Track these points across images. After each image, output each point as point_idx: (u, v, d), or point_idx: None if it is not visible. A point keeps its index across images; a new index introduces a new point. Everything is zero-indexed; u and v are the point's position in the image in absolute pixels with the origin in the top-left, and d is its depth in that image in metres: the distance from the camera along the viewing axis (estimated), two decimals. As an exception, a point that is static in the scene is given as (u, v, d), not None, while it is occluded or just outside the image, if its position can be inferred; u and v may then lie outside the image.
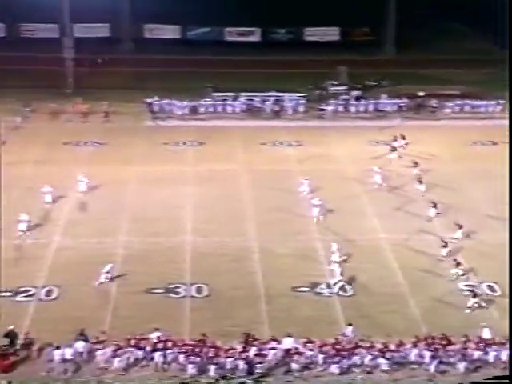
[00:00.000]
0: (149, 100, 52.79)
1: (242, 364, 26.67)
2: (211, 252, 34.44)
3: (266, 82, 56.71)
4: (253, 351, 27.06)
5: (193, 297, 30.86)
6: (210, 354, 26.76)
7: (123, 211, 38.00)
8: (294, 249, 34.54)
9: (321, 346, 27.32)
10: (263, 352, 27.16)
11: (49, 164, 43.80)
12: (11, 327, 27.18)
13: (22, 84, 56.38)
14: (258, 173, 43.25)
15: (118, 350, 26.62)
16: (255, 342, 27.37)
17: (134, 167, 43.79)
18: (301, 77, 57.59)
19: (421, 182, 40.56)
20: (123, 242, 34.81)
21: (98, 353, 26.65)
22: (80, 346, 26.63)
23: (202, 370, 26.51)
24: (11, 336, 26.84)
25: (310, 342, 27.58)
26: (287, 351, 27.36)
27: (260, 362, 26.82)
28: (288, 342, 27.58)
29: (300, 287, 31.80)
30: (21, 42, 66.32)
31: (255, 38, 69.83)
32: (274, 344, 27.42)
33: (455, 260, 33.06)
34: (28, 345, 26.90)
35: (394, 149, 45.18)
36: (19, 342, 27.05)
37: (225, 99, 54.07)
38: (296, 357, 27.14)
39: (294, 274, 32.51)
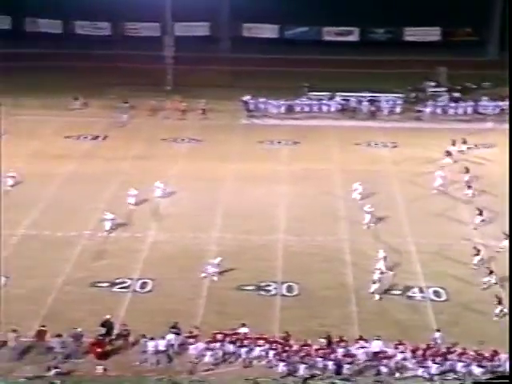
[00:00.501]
0: (245, 98, 53.32)
1: (330, 364, 26.63)
2: (303, 251, 34.53)
3: (362, 81, 56.28)
4: (341, 351, 26.98)
5: (283, 295, 31.01)
6: (301, 353, 26.81)
7: (218, 207, 38.55)
8: (387, 251, 34.22)
9: (413, 351, 26.98)
10: (352, 353, 27.05)
11: (147, 160, 44.93)
12: (108, 317, 28.03)
13: (124, 81, 58.10)
14: (352, 173, 42.99)
15: (210, 344, 26.98)
16: (343, 343, 27.27)
17: (230, 164, 44.39)
18: (398, 77, 56.89)
19: (469, 187, 39.71)
20: (216, 238, 35.31)
21: (191, 347, 27.12)
22: (172, 338, 27.17)
23: (292, 369, 26.59)
24: (108, 325, 27.67)
25: (401, 344, 27.26)
26: (376, 354, 27.17)
27: (348, 363, 26.73)
28: (377, 345, 27.39)
29: (391, 290, 31.50)
30: (124, 40, 68.22)
31: (353, 37, 69.37)
32: (362, 345, 27.26)
33: (488, 268, 32.20)
34: (123, 335, 27.64)
35: (448, 153, 44.08)
36: (115, 331, 27.83)
37: (320, 99, 54.01)
38: (385, 360, 26.89)
39: (385, 277, 32.19)
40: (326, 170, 43.80)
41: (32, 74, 59.49)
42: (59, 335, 26.73)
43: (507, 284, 31.48)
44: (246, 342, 27.26)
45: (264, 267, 32.97)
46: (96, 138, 48.79)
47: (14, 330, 26.93)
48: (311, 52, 64.44)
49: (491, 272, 31.86)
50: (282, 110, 53.33)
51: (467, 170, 41.51)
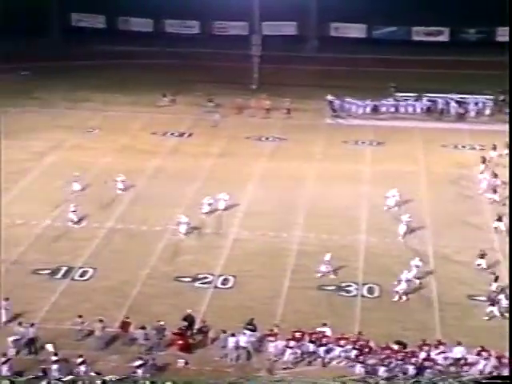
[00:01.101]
0: (330, 98, 53.17)
1: (411, 368, 26.34)
2: (384, 253, 34.29)
3: (451, 82, 55.46)
4: (422, 356, 26.67)
5: (364, 296, 30.89)
6: (382, 356, 26.65)
7: (300, 207, 38.64)
8: (471, 256, 33.51)
9: (498, 358, 26.45)
10: (432, 357, 26.70)
11: (230, 157, 45.45)
12: (189, 311, 28.49)
13: (210, 79, 58.89)
14: (438, 175, 42.45)
15: (290, 343, 27.07)
16: (425, 347, 26.95)
17: (313, 164, 44.45)
18: (489, 78, 55.63)
19: (495, 191, 38.88)
20: (298, 237, 35.42)
21: (271, 345, 27.27)
22: (248, 335, 27.39)
23: (371, 371, 26.44)
24: (189, 320, 28.10)
25: (484, 351, 26.77)
26: (457, 360, 26.73)
27: (428, 367, 26.38)
28: (458, 351, 26.94)
29: (476, 296, 30.92)
30: (212, 38, 69.16)
31: (443, 37, 68.27)
32: (443, 350, 26.87)
33: (494, 274, 31.42)
34: (204, 331, 28.02)
35: (483, 160, 42.81)
36: (196, 326, 28.28)
37: (407, 99, 53.40)
38: (466, 367, 26.44)
39: (470, 282, 31.63)
40: (410, 172, 43.38)
41: (123, 71, 61.11)
42: (143, 327, 27.36)
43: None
44: (325, 342, 27.20)
45: (345, 268, 32.88)
46: (182, 134, 49.63)
47: (101, 320, 27.72)
48: (399, 52, 63.77)
49: (497, 278, 31.06)
50: (368, 110, 53.09)
51: (496, 176, 40.60)
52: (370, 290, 31.31)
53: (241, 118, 52.60)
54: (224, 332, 27.40)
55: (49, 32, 69.11)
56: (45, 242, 34.51)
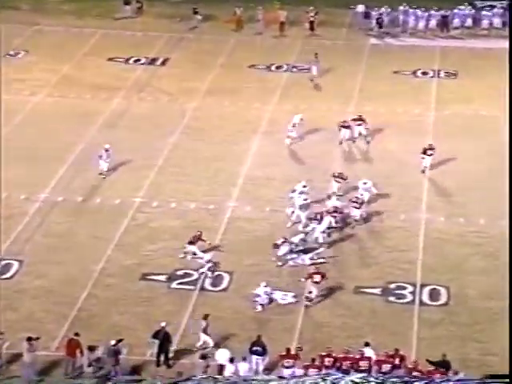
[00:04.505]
0: (375, 9, 53.18)
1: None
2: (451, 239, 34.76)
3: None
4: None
5: (424, 304, 31.09)
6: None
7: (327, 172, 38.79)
8: None
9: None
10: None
11: (223, 96, 45.30)
12: (163, 324, 28.27)
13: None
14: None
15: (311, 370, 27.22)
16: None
17: (349, 106, 44.35)
18: None
19: None
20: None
21: (285, 372, 27.27)
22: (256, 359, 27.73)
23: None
24: (161, 337, 28.06)
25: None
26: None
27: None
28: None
29: None
30: None
31: None
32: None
33: None
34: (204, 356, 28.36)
35: None
36: (172, 347, 28.53)
37: (491, 7, 53.40)
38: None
39: None
40: (494, 117, 43.42)
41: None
42: (91, 348, 27.31)
43: None
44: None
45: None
46: (153, 61, 49.65)
47: (30, 339, 27.46)
48: None
49: None
50: (432, 24, 53.27)
51: None
52: (433, 295, 31.56)
53: (241, 36, 52.77)
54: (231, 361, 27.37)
55: None
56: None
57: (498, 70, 47.84)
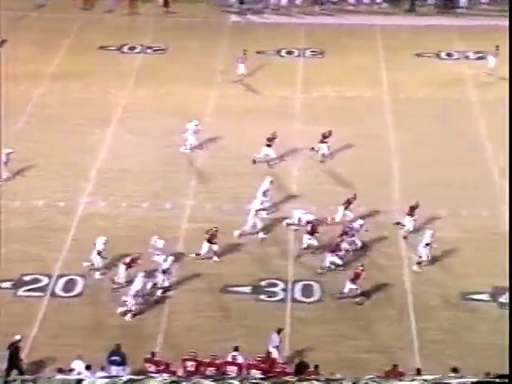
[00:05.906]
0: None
1: None
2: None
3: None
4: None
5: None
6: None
7: (191, 170, 38.69)
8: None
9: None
10: None
11: (72, 80, 44.67)
12: (18, 337, 27.65)
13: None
14: (415, 103, 43.15)
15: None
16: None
17: (211, 91, 44.30)
18: None
19: None
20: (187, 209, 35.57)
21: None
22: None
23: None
24: (12, 351, 27.53)
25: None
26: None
27: None
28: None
29: None
30: None
31: None
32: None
33: None
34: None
35: None
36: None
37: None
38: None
39: None
40: (367, 98, 43.92)
41: None
42: None
43: None
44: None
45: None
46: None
47: None
48: None
49: None
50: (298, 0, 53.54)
51: None
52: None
53: (91, 14, 52.53)
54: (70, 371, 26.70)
55: None
56: None
57: (367, 49, 48.42)
